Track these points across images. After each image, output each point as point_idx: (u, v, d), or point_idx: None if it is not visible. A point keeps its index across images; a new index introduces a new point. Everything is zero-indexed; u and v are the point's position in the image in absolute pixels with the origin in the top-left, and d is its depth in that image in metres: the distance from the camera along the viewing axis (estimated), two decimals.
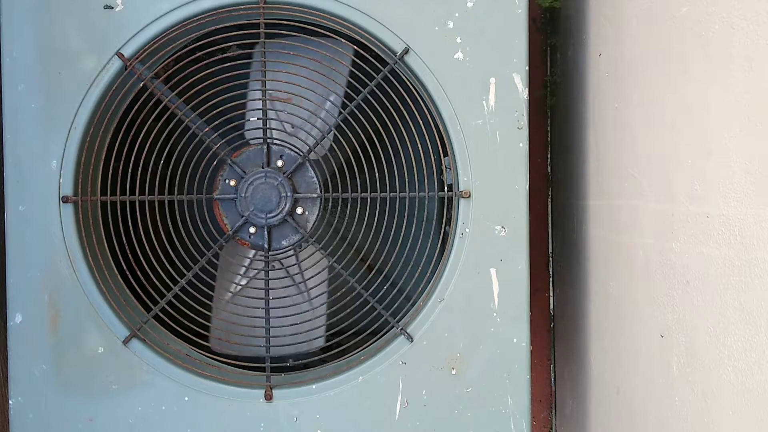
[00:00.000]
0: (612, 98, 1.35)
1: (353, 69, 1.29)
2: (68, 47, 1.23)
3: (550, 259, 1.96)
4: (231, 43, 1.33)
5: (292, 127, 1.31)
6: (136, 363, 1.26)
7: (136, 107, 1.26)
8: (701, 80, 0.98)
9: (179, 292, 1.30)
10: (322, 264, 1.32)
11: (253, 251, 1.35)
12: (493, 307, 1.26)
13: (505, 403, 1.26)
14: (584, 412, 1.59)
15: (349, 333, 1.34)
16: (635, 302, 1.24)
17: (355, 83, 1.30)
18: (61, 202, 1.24)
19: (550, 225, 1.95)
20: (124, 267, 1.29)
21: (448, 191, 1.30)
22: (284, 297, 1.32)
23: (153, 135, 1.28)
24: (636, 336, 1.25)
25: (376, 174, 1.31)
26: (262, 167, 1.29)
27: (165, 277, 1.31)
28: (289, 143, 1.29)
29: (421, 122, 1.28)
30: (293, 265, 1.35)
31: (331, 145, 1.30)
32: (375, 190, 1.30)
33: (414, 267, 1.32)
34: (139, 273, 1.30)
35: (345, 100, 1.29)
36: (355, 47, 1.28)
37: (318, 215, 1.30)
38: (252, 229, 1.30)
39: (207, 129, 1.29)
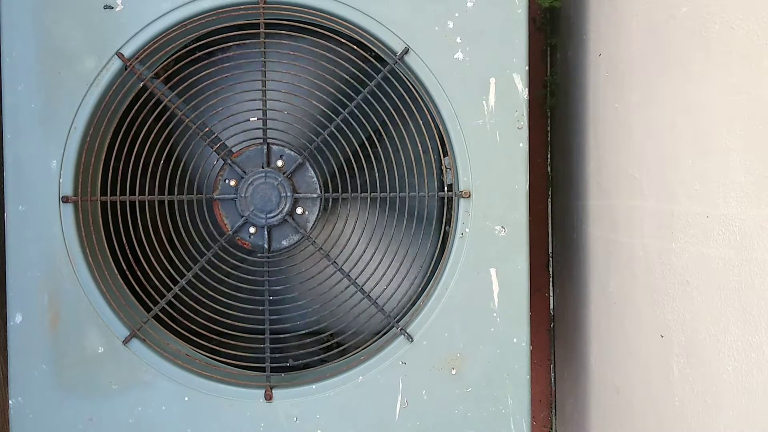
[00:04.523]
0: (612, 98, 1.35)
1: (353, 69, 1.29)
2: (68, 47, 1.23)
3: (550, 259, 1.96)
4: (231, 43, 1.33)
5: (292, 127, 1.31)
6: (136, 363, 1.26)
7: (136, 107, 1.26)
8: (701, 80, 0.98)
9: (179, 292, 1.30)
10: (322, 264, 1.32)
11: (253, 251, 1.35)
12: (493, 307, 1.26)
13: (505, 403, 1.26)
14: (584, 412, 1.59)
15: (349, 333, 1.34)
16: (635, 302, 1.24)
17: (355, 83, 1.30)
18: (61, 202, 1.24)
19: (550, 225, 1.95)
20: (124, 267, 1.29)
21: (448, 191, 1.30)
22: (284, 297, 1.32)
23: (153, 135, 1.28)
24: (636, 336, 1.25)
25: (376, 174, 1.31)
26: (262, 167, 1.29)
27: (165, 277, 1.31)
28: (289, 143, 1.29)
29: (421, 122, 1.28)
30: (293, 265, 1.35)
31: (331, 145, 1.30)
32: (375, 190, 1.30)
33: (414, 267, 1.32)
34: (139, 273, 1.30)
35: (345, 100, 1.29)
36: (355, 47, 1.28)
37: (318, 215, 1.30)
38: (252, 229, 1.30)
39: (207, 129, 1.29)
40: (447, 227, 1.36)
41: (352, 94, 1.28)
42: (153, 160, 1.28)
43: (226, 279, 1.32)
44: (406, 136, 1.29)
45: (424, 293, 1.30)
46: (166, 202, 1.32)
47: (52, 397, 1.26)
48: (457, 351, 1.26)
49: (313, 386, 1.27)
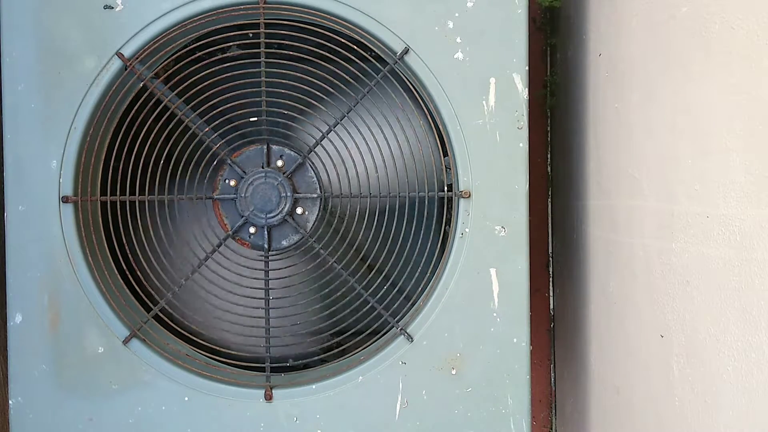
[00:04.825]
0: (612, 98, 1.35)
1: (353, 69, 1.29)
2: (68, 47, 1.23)
3: (550, 259, 1.96)
4: (231, 43, 1.33)
5: (292, 127, 1.31)
6: (136, 363, 1.26)
7: (136, 107, 1.26)
8: (701, 80, 0.98)
9: (179, 292, 1.30)
10: (322, 264, 1.32)
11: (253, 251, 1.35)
12: (493, 307, 1.26)
13: (505, 403, 1.26)
14: (584, 412, 1.59)
15: (349, 333, 1.34)
16: (635, 302, 1.24)
17: (355, 83, 1.30)
18: (61, 202, 1.24)
19: (550, 225, 1.95)
20: (124, 267, 1.29)
21: (448, 191, 1.30)
22: (284, 297, 1.32)
23: (153, 135, 1.28)
24: (636, 336, 1.25)
25: (377, 174, 1.31)
26: (262, 167, 1.29)
27: (165, 277, 1.31)
28: (289, 143, 1.29)
29: (420, 122, 1.28)
30: (293, 265, 1.35)
31: (331, 144, 1.30)
32: (375, 190, 1.30)
33: (414, 267, 1.32)
34: (139, 273, 1.30)
35: (345, 100, 1.29)
36: (355, 47, 1.28)
37: (318, 215, 1.30)
38: (252, 229, 1.30)
39: (207, 129, 1.29)
40: (447, 227, 1.36)
41: (352, 94, 1.28)
42: (153, 160, 1.28)
43: (225, 279, 1.32)
44: (406, 136, 1.29)
45: (424, 293, 1.30)
46: (166, 202, 1.32)
47: (52, 397, 1.26)
48: (457, 351, 1.26)
49: (313, 386, 1.27)
